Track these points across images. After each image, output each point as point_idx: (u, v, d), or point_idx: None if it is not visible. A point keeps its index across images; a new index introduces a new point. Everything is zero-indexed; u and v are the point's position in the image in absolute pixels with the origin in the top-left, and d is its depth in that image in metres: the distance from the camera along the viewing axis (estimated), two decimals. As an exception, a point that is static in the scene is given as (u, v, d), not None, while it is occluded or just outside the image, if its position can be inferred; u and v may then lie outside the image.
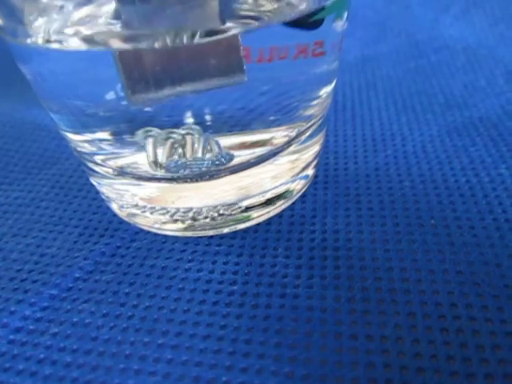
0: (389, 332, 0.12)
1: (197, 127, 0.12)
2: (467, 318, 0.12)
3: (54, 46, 0.11)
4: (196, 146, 0.13)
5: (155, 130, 0.12)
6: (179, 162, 0.13)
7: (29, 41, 0.12)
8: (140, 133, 0.12)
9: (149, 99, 0.12)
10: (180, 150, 0.13)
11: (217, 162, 0.13)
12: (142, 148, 0.13)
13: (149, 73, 0.11)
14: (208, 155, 0.13)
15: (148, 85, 0.11)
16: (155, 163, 0.13)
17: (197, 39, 0.11)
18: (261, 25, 0.12)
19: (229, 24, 0.11)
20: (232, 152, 0.13)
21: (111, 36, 0.11)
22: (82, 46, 0.11)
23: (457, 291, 0.12)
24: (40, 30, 0.12)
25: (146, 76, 0.11)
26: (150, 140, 0.12)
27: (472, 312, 0.12)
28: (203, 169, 0.13)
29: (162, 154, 0.13)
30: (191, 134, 0.12)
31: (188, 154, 0.13)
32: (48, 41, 0.11)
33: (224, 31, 0.11)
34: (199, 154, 0.13)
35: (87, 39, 0.11)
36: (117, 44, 0.11)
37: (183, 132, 0.12)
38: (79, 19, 0.11)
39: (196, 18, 0.11)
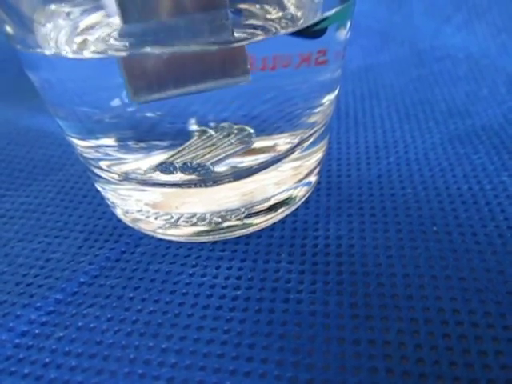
0: (391, 337, 0.12)
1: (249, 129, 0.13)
2: (470, 323, 0.12)
3: (64, 54, 0.11)
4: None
5: (210, 132, 0.12)
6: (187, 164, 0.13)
7: (38, 49, 0.12)
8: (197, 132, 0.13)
9: (152, 99, 0.12)
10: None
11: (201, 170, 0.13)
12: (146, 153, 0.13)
13: (152, 73, 0.11)
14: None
15: (151, 85, 0.11)
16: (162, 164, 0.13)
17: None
18: (267, 36, 0.12)
19: (237, 34, 0.11)
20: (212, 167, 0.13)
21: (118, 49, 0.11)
22: (93, 56, 0.11)
23: (459, 297, 0.12)
24: (48, 37, 0.12)
25: (148, 76, 0.11)
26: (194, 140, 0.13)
27: (474, 318, 0.12)
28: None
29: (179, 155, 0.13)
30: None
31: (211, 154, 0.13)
32: (58, 50, 0.11)
33: (233, 42, 0.11)
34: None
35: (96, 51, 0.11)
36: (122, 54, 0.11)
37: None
38: (87, 27, 0.12)
39: (208, 31, 0.11)
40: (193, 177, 0.13)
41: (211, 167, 0.13)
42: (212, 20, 0.11)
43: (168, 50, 0.11)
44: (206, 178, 0.13)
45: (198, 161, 0.13)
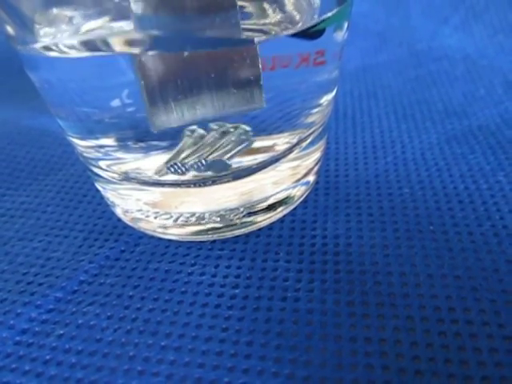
0: (388, 335, 0.12)
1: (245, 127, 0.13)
2: (465, 321, 0.12)
3: (63, 55, 0.11)
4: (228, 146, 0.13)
5: (198, 131, 0.13)
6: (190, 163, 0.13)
7: (38, 50, 0.12)
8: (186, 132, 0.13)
9: (170, 123, 0.12)
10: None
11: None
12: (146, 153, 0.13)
13: (171, 96, 0.12)
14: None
15: (170, 108, 0.12)
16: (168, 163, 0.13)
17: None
18: (266, 37, 0.12)
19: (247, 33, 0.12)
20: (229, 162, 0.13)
21: (124, 39, 0.11)
22: (89, 53, 0.11)
23: (455, 295, 0.13)
24: (49, 39, 0.12)
25: (167, 100, 0.12)
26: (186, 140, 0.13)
27: (470, 316, 0.12)
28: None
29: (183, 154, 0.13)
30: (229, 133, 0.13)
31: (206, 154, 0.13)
32: (57, 50, 0.11)
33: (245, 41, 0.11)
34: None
35: (95, 45, 0.11)
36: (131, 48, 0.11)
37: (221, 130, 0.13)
38: (88, 30, 0.12)
39: (218, 28, 0.11)
40: (190, 177, 0.13)
41: (228, 162, 0.13)
42: (222, 21, 0.11)
43: (179, 53, 0.11)
44: (222, 175, 0.13)
45: (211, 157, 0.13)
